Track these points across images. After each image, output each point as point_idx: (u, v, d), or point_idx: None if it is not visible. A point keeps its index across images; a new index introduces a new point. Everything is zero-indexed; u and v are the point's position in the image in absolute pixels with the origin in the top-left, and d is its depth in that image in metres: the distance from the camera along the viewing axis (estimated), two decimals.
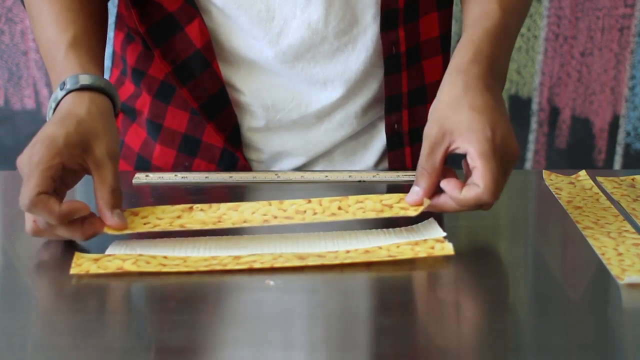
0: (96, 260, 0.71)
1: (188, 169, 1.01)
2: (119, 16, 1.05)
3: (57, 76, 0.82)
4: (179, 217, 0.78)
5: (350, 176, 0.94)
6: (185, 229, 0.76)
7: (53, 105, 0.80)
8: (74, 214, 0.73)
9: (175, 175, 0.94)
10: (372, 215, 0.77)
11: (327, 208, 0.78)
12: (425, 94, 1.00)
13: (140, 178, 0.94)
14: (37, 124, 0.80)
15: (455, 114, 0.76)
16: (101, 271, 0.70)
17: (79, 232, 0.74)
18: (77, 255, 0.72)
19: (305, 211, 0.78)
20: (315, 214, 0.78)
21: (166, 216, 0.78)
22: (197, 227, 0.76)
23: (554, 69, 1.74)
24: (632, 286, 0.67)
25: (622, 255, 0.73)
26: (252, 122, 1.00)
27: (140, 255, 0.72)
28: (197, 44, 0.95)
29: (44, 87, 1.77)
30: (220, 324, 0.64)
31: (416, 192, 0.77)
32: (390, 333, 0.62)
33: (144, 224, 0.77)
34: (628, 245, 0.75)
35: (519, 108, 1.76)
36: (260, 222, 0.77)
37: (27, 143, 0.78)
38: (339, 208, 0.78)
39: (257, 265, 0.70)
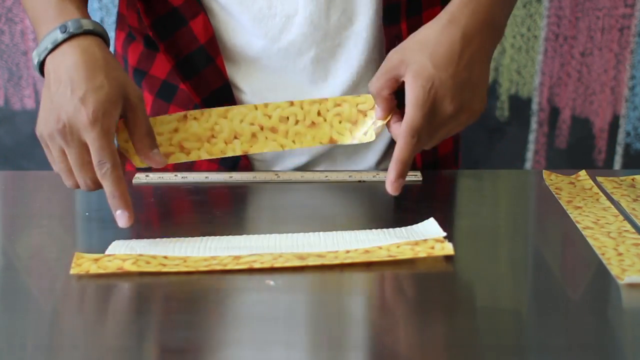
0: (96, 260, 0.71)
1: (190, 167, 1.01)
2: (119, 16, 1.06)
3: (51, 20, 0.81)
4: (176, 130, 0.86)
5: (350, 176, 0.94)
6: (184, 150, 0.86)
7: (50, 47, 0.79)
8: (126, 206, 0.77)
9: (175, 175, 0.94)
10: (346, 128, 0.86)
11: (307, 113, 0.86)
12: None
13: (140, 178, 0.94)
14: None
15: (416, 53, 0.80)
16: (101, 271, 0.70)
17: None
18: (77, 255, 0.72)
19: (288, 118, 0.86)
20: (297, 122, 0.86)
21: (165, 130, 0.86)
22: (193, 144, 0.86)
23: (554, 69, 1.74)
24: (632, 286, 0.67)
25: (622, 255, 0.73)
26: None
27: (141, 255, 0.72)
28: (201, 40, 0.95)
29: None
30: (220, 324, 0.64)
31: (378, 112, 0.84)
32: (390, 333, 0.62)
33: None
34: (628, 245, 0.75)
35: (519, 108, 1.76)
36: (249, 136, 0.86)
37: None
38: (319, 114, 0.86)
39: (257, 266, 0.70)
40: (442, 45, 0.80)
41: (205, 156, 0.86)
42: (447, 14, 0.82)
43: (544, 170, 0.94)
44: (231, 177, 0.94)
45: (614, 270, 0.70)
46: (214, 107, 0.98)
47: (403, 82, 0.81)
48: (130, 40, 1.03)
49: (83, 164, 0.77)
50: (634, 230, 0.78)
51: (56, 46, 0.79)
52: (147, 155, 0.81)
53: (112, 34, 1.05)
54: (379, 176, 0.94)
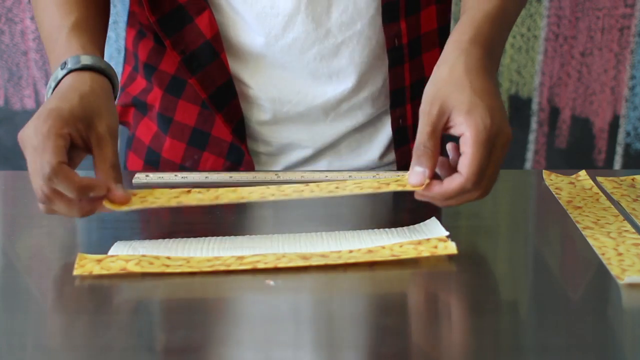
0: (99, 261, 0.71)
1: (197, 162, 1.02)
2: (130, 14, 1.07)
3: (57, 57, 0.82)
4: (176, 197, 0.77)
5: (350, 176, 0.94)
6: (183, 205, 0.76)
7: (53, 84, 0.80)
8: (93, 189, 0.72)
9: (175, 175, 0.94)
10: (369, 191, 0.76)
11: (323, 189, 0.77)
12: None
13: (140, 178, 0.94)
14: None
15: (457, 94, 0.73)
16: (104, 272, 0.69)
17: (76, 207, 0.73)
18: (80, 256, 0.72)
19: (302, 191, 0.77)
20: (312, 192, 0.76)
21: (164, 197, 0.77)
22: (194, 204, 0.76)
23: (554, 69, 1.74)
24: (632, 286, 0.67)
25: (622, 255, 0.73)
26: (260, 115, 1.01)
27: (144, 255, 0.72)
28: (207, 35, 0.96)
29: (44, 87, 1.77)
30: (222, 324, 0.64)
31: (421, 172, 0.73)
32: (392, 333, 0.62)
33: (142, 202, 0.76)
34: (628, 245, 0.75)
35: (519, 108, 1.76)
36: (258, 198, 0.76)
37: None
38: (337, 188, 0.77)
39: (260, 266, 0.70)
40: (476, 80, 0.74)
41: (203, 200, 0.77)
42: (462, 53, 0.76)
43: (544, 170, 0.94)
44: (231, 177, 0.94)
45: (614, 270, 0.70)
46: (220, 102, 0.99)
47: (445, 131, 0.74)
48: (141, 36, 1.04)
49: (35, 175, 0.73)
50: (634, 230, 0.78)
51: (58, 83, 0.80)
52: (111, 187, 0.73)
53: (111, 34, 1.05)
54: (379, 176, 0.94)
